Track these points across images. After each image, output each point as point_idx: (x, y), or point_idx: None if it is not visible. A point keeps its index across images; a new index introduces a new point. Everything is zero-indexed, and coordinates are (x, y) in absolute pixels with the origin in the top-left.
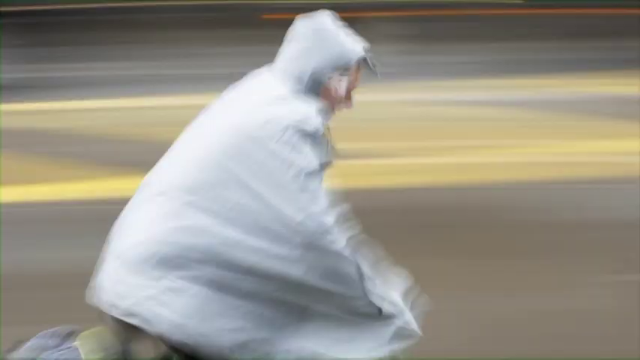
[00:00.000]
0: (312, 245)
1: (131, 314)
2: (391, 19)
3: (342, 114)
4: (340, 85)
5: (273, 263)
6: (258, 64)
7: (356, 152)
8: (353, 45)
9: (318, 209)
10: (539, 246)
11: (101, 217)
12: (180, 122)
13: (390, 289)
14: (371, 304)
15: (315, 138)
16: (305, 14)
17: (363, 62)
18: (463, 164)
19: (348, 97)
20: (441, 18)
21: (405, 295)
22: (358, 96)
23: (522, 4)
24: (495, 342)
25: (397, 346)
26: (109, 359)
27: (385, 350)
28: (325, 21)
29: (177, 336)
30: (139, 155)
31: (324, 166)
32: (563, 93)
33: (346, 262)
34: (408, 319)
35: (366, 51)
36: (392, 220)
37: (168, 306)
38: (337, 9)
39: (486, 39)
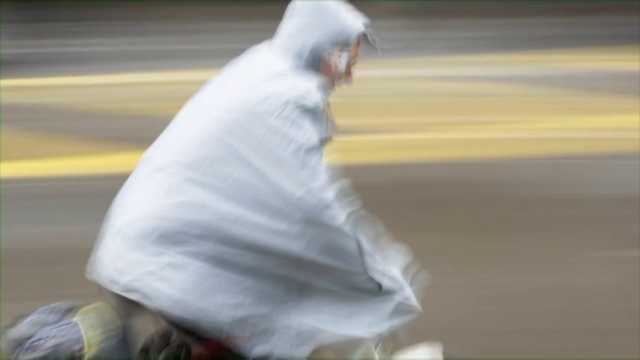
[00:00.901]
0: (312, 221)
1: (131, 290)
2: None
3: (342, 90)
4: (340, 60)
5: (273, 239)
6: (258, 40)
7: (356, 128)
8: (353, 21)
9: (318, 185)
10: (538, 221)
11: (101, 192)
12: (181, 98)
13: (390, 265)
14: (371, 279)
15: (315, 114)
16: None
17: (363, 38)
18: (462, 140)
19: (348, 72)
20: None
21: (405, 271)
22: (358, 72)
23: None
24: (495, 317)
25: (397, 322)
26: (109, 335)
27: (385, 326)
28: None
29: (176, 311)
30: (139, 131)
31: (324, 141)
32: (562, 69)
33: (346, 237)
34: (408, 294)
35: (366, 27)
36: (391, 196)
37: (168, 282)
38: None
39: (485, 15)
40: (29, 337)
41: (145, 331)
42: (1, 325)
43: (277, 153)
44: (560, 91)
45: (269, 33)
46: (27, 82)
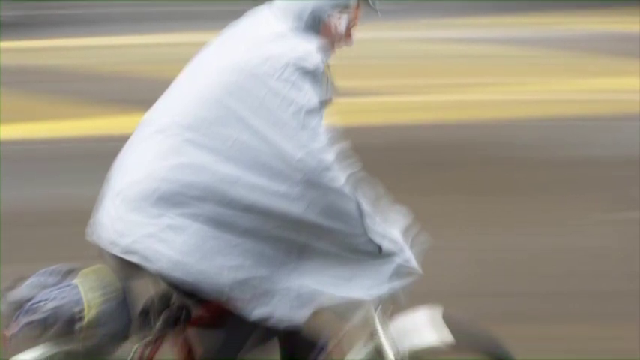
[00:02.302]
0: (312, 182)
1: (131, 252)
2: None
3: (342, 52)
4: (340, 22)
5: (272, 200)
6: (258, 2)
7: (356, 90)
8: None
9: (318, 146)
10: (539, 183)
11: (101, 154)
12: (181, 60)
13: (390, 227)
14: (371, 241)
15: (315, 75)
16: None
17: (362, 0)
18: (463, 102)
19: (348, 34)
20: None
21: (405, 233)
22: (358, 34)
23: None
24: (496, 279)
25: (397, 284)
26: (109, 297)
27: (385, 288)
28: None
29: (176, 273)
30: (139, 93)
31: (324, 103)
32: (562, 31)
33: (346, 199)
34: (408, 256)
35: None
36: (391, 158)
37: (168, 243)
38: None
39: None
40: (29, 300)
41: (144, 293)
42: (1, 287)
43: (277, 115)
44: (559, 53)
45: None
46: (28, 45)
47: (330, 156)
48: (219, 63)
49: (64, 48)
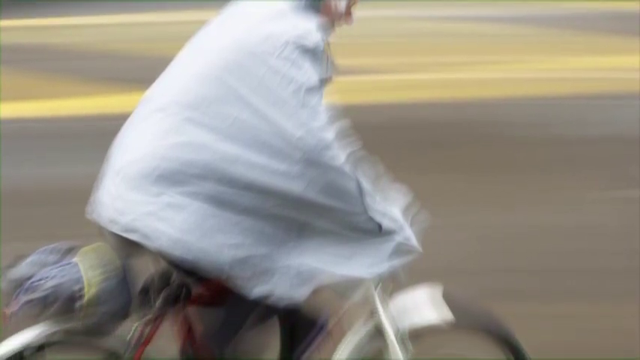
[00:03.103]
0: (312, 161)
1: (131, 230)
2: None
3: (342, 30)
4: (340, 1)
5: (272, 179)
6: None
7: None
8: None
9: (318, 125)
10: (539, 161)
11: (101, 132)
12: (180, 38)
13: (390, 205)
14: (371, 219)
15: (315, 54)
16: None
17: None
18: (463, 80)
19: (348, 13)
20: None
21: (405, 211)
22: (358, 12)
23: None
24: (496, 257)
25: (397, 262)
26: (109, 275)
27: (385, 266)
28: None
29: (176, 252)
30: (139, 71)
31: (324, 82)
32: (562, 9)
33: (346, 177)
34: (408, 235)
35: None
36: (391, 136)
37: (168, 222)
38: None
39: None
40: (29, 278)
41: (144, 271)
42: (1, 265)
43: (277, 93)
44: (558, 32)
45: None
46: (27, 23)
47: (329, 134)
48: (219, 41)
49: (63, 26)
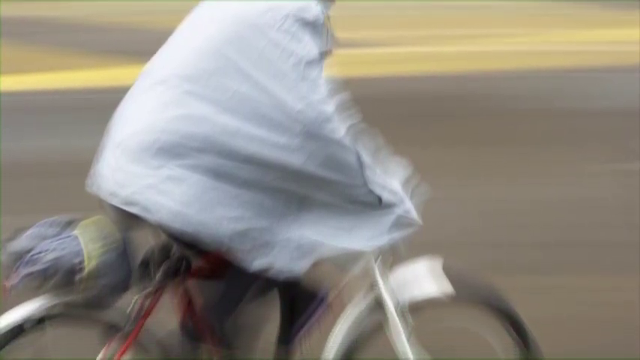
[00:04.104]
0: (312, 134)
1: (131, 203)
2: None
3: (343, 3)
4: None
5: (272, 152)
6: None
7: (356, 41)
8: None
9: (318, 98)
10: (540, 134)
11: (101, 105)
12: (180, 11)
13: (390, 178)
14: (371, 192)
15: (315, 27)
16: None
17: None
18: (464, 53)
19: None
20: None
21: (406, 184)
22: None
23: None
24: (496, 230)
25: (397, 235)
26: (109, 248)
27: (385, 239)
28: None
29: (176, 224)
30: (139, 44)
31: (324, 55)
32: None
33: (346, 150)
34: (408, 207)
35: None
36: (392, 109)
37: (168, 194)
38: None
39: None
40: (29, 251)
41: (144, 244)
42: (1, 238)
43: (277, 66)
44: (560, 5)
45: None
46: None
47: (330, 107)
48: (219, 14)
49: None
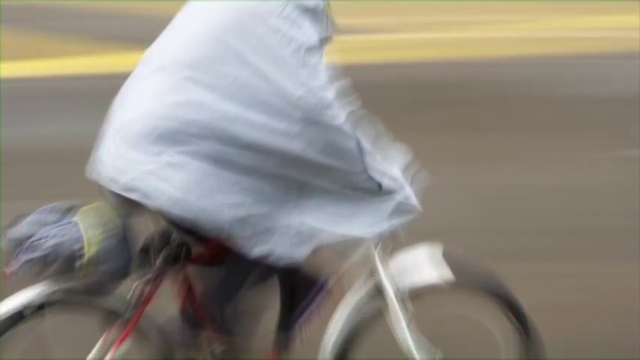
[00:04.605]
0: (312, 120)
1: (131, 189)
2: None
3: None
4: None
5: (272, 138)
6: None
7: (356, 27)
8: None
9: (318, 84)
10: (541, 121)
11: (101, 91)
12: None
13: (391, 165)
14: (371, 179)
15: (315, 13)
16: None
17: None
18: (465, 39)
19: None
20: None
21: (406, 170)
22: None
23: None
24: (497, 217)
25: (397, 222)
26: (109, 234)
27: (385, 225)
28: None
29: (176, 211)
30: (139, 30)
31: (324, 41)
32: None
33: (346, 136)
34: (409, 194)
35: None
36: (393, 95)
37: (168, 181)
38: None
39: None
40: (29, 237)
41: (144, 230)
42: (1, 224)
43: (277, 52)
44: None
45: None
46: None
47: (330, 94)
48: (218, 1)
49: None
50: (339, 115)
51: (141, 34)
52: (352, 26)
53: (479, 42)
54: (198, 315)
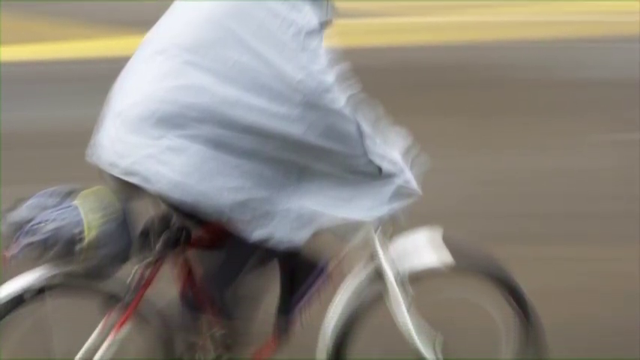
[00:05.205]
0: (312, 104)
1: (131, 173)
2: None
3: None
4: None
5: (272, 122)
6: None
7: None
8: None
9: (318, 68)
10: (541, 104)
11: (101, 75)
12: None
13: (391, 148)
14: (371, 162)
15: None
16: None
17: None
18: (465, 23)
19: None
20: None
21: (406, 154)
22: None
23: None
24: (497, 201)
25: (397, 205)
26: (109, 218)
27: (385, 209)
28: None
29: (176, 194)
30: (139, 14)
31: (324, 24)
32: None
33: (346, 120)
34: (408, 177)
35: None
36: (393, 79)
37: (168, 164)
38: None
39: None
40: (29, 221)
41: (144, 214)
42: (1, 208)
43: (277, 36)
44: None
45: None
46: None
47: (330, 77)
48: None
49: None
50: (339, 98)
51: (140, 17)
52: (352, 10)
53: (479, 25)
54: (198, 299)
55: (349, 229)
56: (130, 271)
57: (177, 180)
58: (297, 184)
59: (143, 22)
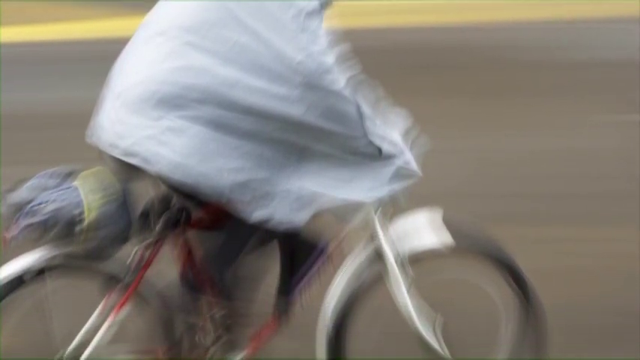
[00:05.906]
0: (312, 85)
1: (131, 154)
2: None
3: None
4: None
5: (272, 103)
6: None
7: None
8: None
9: (318, 49)
10: (542, 85)
11: (100, 56)
12: None
13: (391, 129)
14: (371, 143)
15: None
16: None
17: None
18: (466, 4)
19: None
20: None
21: (405, 135)
22: None
23: None
24: (497, 181)
25: (397, 186)
26: (109, 199)
27: (385, 190)
28: None
29: (176, 175)
30: None
31: (324, 5)
32: None
33: (346, 101)
34: (408, 158)
35: None
36: (392, 60)
37: (168, 145)
38: None
39: None
40: (29, 202)
41: (144, 195)
42: (1, 189)
43: (277, 17)
44: None
45: None
46: None
47: (330, 58)
48: None
49: None
50: (339, 79)
51: None
52: None
53: (480, 6)
54: (198, 280)
55: (349, 210)
56: (130, 252)
57: (178, 161)
58: (297, 165)
59: (141, 4)
